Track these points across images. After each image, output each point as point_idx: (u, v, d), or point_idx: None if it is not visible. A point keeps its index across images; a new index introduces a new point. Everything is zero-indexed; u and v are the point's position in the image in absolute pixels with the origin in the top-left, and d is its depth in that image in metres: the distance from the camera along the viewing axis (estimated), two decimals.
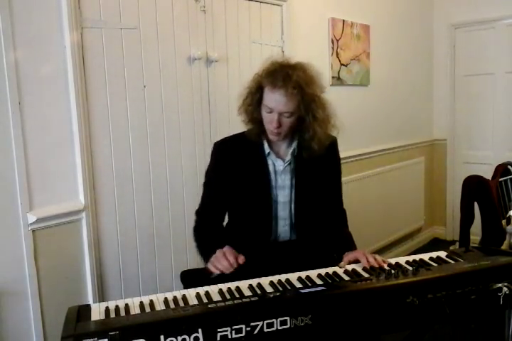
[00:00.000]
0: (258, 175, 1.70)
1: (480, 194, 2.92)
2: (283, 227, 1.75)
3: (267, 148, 1.71)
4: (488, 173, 3.09)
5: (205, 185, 1.79)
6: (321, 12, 3.13)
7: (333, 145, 1.79)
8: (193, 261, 2.42)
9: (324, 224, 1.81)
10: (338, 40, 3.25)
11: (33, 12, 1.76)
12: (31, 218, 1.77)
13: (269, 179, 1.70)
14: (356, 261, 1.61)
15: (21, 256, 1.77)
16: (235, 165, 1.71)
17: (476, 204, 2.96)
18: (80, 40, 1.89)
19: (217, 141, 1.79)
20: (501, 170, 3.04)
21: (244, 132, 1.75)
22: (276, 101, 1.56)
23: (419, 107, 4.30)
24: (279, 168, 1.71)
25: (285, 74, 1.55)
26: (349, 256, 1.63)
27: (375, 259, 1.58)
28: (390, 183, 3.78)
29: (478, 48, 4.13)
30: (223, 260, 1.49)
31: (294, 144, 1.71)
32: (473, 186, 2.93)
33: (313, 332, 1.26)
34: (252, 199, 1.71)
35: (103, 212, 2.05)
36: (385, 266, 1.56)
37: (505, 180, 3.00)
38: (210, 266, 1.51)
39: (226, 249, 1.53)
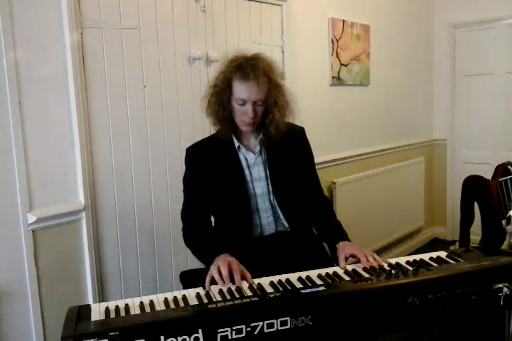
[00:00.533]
0: (232, 170, 1.75)
1: (480, 194, 2.91)
2: (266, 219, 1.78)
3: (236, 142, 1.75)
4: (488, 173, 3.09)
5: (186, 190, 1.80)
6: (321, 12, 3.13)
7: (301, 134, 1.87)
8: (193, 261, 2.42)
9: (309, 213, 1.84)
10: (338, 40, 3.25)
11: (33, 12, 1.76)
12: (31, 218, 1.77)
13: (243, 173, 1.75)
14: (352, 256, 1.62)
15: (21, 256, 1.77)
16: (208, 166, 1.75)
17: (476, 204, 2.95)
18: (79, 40, 1.89)
19: (188, 147, 1.83)
20: (501, 170, 3.04)
21: (213, 134, 1.80)
22: (249, 92, 1.62)
23: (419, 107, 4.30)
24: (251, 161, 1.76)
25: (252, 66, 1.62)
26: (345, 251, 1.62)
27: (375, 259, 1.58)
28: (390, 183, 3.78)
29: (478, 48, 4.13)
30: (225, 271, 1.45)
31: (261, 134, 1.76)
32: (473, 186, 2.93)
33: (314, 332, 1.26)
34: (230, 195, 1.75)
35: (103, 212, 2.04)
36: (385, 266, 1.56)
37: (505, 180, 3.00)
38: (207, 279, 1.47)
39: (232, 259, 1.51)
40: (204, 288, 1.45)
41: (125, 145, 2.10)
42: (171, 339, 1.16)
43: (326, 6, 3.16)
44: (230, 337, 1.19)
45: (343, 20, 3.28)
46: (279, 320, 1.23)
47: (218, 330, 1.19)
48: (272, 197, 1.77)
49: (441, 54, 4.34)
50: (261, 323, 1.22)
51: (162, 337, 1.15)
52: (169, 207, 2.31)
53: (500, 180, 2.98)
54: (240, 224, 1.76)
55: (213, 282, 1.47)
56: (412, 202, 4.13)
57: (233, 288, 1.44)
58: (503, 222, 2.55)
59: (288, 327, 1.24)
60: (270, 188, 1.76)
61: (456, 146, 4.39)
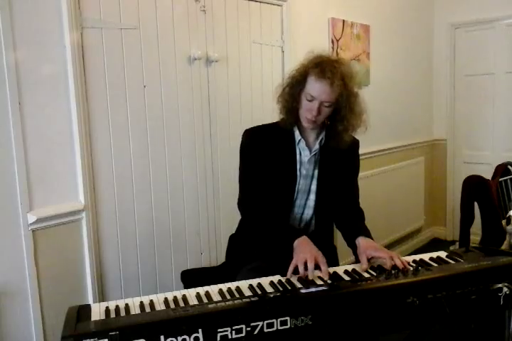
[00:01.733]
0: (286, 161, 1.78)
1: (480, 194, 2.92)
2: (295, 215, 1.82)
3: (297, 135, 1.78)
4: (488, 173, 3.09)
5: (245, 170, 1.82)
6: (321, 12, 3.13)
7: (356, 145, 1.92)
8: (193, 261, 2.42)
9: (339, 220, 1.87)
10: (338, 40, 3.25)
11: (33, 12, 1.75)
12: (31, 218, 1.76)
13: (295, 167, 1.78)
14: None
15: (21, 256, 1.77)
16: (264, 150, 1.77)
17: (476, 204, 2.96)
18: (80, 40, 1.89)
19: (248, 128, 1.85)
20: (501, 170, 3.04)
21: (276, 122, 1.82)
22: (320, 90, 1.65)
23: (419, 107, 4.29)
24: (305, 158, 1.79)
25: (332, 67, 1.65)
26: (367, 252, 1.61)
27: (402, 262, 1.56)
28: (390, 183, 3.78)
29: (478, 48, 4.13)
30: (311, 264, 1.49)
31: (323, 134, 1.80)
32: (473, 186, 2.94)
33: (314, 332, 1.26)
34: (276, 185, 1.77)
35: (103, 212, 2.04)
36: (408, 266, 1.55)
37: (505, 180, 3.00)
38: (291, 266, 1.51)
39: (318, 254, 1.53)
40: (283, 276, 1.50)
41: (125, 146, 2.10)
42: (171, 338, 1.16)
43: (326, 6, 3.16)
44: (229, 337, 1.20)
45: (343, 20, 3.28)
46: (278, 320, 1.23)
47: (218, 330, 1.19)
48: (309, 197, 1.81)
49: (441, 54, 4.34)
50: (261, 323, 1.22)
51: (162, 337, 1.15)
52: (169, 207, 2.31)
53: (500, 180, 2.98)
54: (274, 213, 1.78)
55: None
56: (412, 202, 4.13)
57: (233, 287, 1.44)
58: (503, 222, 2.55)
59: (288, 326, 1.24)
60: (313, 187, 1.80)
61: (456, 146, 4.39)
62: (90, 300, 1.99)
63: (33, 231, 1.79)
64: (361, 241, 1.67)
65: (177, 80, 2.28)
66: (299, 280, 1.48)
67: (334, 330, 1.29)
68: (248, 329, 1.21)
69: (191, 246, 2.42)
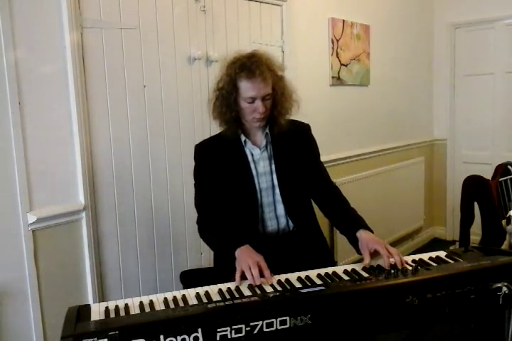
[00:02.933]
0: (238, 165, 1.78)
1: (480, 194, 2.91)
2: (268, 214, 1.80)
3: (242, 137, 1.79)
4: (488, 173, 3.09)
5: (197, 184, 1.83)
6: (321, 12, 3.13)
7: (306, 130, 1.90)
8: (193, 261, 2.43)
9: (321, 205, 1.87)
10: (338, 40, 3.25)
11: (33, 12, 1.76)
12: (31, 218, 1.77)
13: (248, 167, 1.78)
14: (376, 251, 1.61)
15: (21, 256, 1.77)
16: (216, 162, 1.78)
17: (476, 204, 2.95)
18: (80, 40, 1.90)
19: (197, 144, 1.86)
20: (501, 170, 3.04)
21: (222, 132, 1.83)
22: (257, 88, 1.66)
23: (419, 107, 4.29)
24: (257, 156, 1.79)
25: (255, 63, 1.66)
26: (369, 246, 1.61)
27: (400, 259, 1.56)
28: (390, 183, 3.78)
29: (478, 48, 4.13)
30: (255, 271, 1.48)
31: (267, 129, 1.80)
32: (473, 186, 2.93)
33: (313, 331, 1.26)
34: (235, 189, 1.78)
35: (103, 212, 2.05)
36: (406, 265, 1.55)
37: (505, 180, 3.00)
38: (238, 271, 1.51)
39: (260, 259, 1.54)
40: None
41: (125, 145, 2.11)
42: (171, 338, 1.16)
43: (326, 6, 3.16)
44: (229, 337, 1.20)
45: (343, 20, 3.28)
46: (278, 320, 1.23)
47: (218, 330, 1.19)
48: (275, 192, 1.79)
49: (441, 54, 4.34)
50: (260, 322, 1.22)
51: (162, 337, 1.15)
52: (169, 207, 2.31)
53: (500, 180, 2.98)
54: (243, 219, 1.78)
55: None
56: (412, 202, 4.13)
57: (233, 287, 1.44)
58: (503, 222, 2.55)
59: (287, 326, 1.24)
60: (275, 182, 1.79)
61: (456, 146, 4.39)
62: (90, 300, 1.99)
63: (33, 231, 1.79)
64: (362, 235, 1.66)
65: (177, 80, 2.29)
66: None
67: (334, 330, 1.29)
68: (248, 328, 1.21)
69: (191, 246, 2.42)
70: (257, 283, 1.46)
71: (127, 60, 2.08)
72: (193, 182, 1.83)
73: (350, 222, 1.76)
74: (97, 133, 2.00)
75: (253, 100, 1.67)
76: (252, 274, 1.47)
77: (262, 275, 1.48)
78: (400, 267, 1.52)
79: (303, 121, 1.91)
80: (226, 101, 1.71)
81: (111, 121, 2.04)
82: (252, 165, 1.78)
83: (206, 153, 1.81)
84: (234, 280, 1.50)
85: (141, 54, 2.13)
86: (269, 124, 1.79)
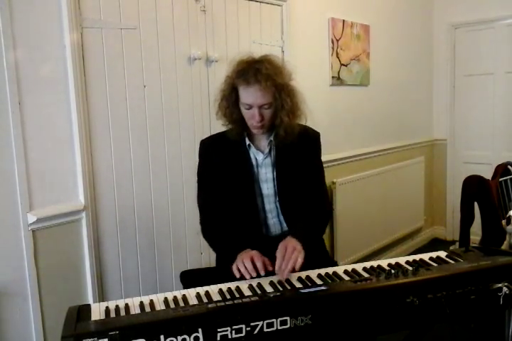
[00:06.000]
0: (241, 168, 1.76)
1: (480, 194, 2.91)
2: (272, 220, 1.80)
3: (247, 141, 1.77)
4: (488, 173, 3.09)
5: (200, 182, 1.83)
6: (321, 12, 3.13)
7: (315, 139, 1.87)
8: (193, 261, 2.42)
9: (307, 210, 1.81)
10: (338, 40, 3.25)
11: (33, 12, 1.76)
12: (31, 218, 1.77)
13: (251, 172, 1.77)
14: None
15: (21, 256, 1.77)
16: (219, 161, 1.77)
17: (476, 204, 2.95)
18: (80, 40, 1.89)
19: (203, 139, 1.86)
20: (501, 170, 3.03)
21: (225, 131, 1.81)
22: (253, 97, 1.63)
23: (419, 107, 4.30)
24: (260, 161, 1.77)
25: (255, 70, 1.61)
26: (280, 245, 1.56)
27: (287, 265, 1.49)
28: (390, 183, 3.78)
29: (478, 48, 4.13)
30: (248, 264, 1.49)
31: (272, 136, 1.77)
32: (473, 186, 2.93)
33: (313, 331, 1.26)
34: (237, 193, 1.77)
35: (103, 212, 2.04)
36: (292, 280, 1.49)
37: (505, 180, 3.00)
38: (234, 269, 1.52)
39: (254, 252, 1.54)
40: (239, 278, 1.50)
41: (125, 146, 2.10)
42: (171, 338, 1.16)
43: (326, 6, 3.16)
44: (229, 337, 1.20)
45: (343, 20, 3.28)
46: (278, 320, 1.23)
47: (218, 330, 1.19)
48: (277, 199, 1.78)
49: (441, 54, 4.34)
50: (261, 323, 1.22)
51: (162, 337, 1.15)
52: (169, 207, 2.31)
53: (500, 180, 2.98)
54: (245, 222, 1.78)
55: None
56: (412, 202, 4.13)
57: (233, 287, 1.44)
58: (503, 222, 2.55)
59: (288, 326, 1.24)
60: (276, 190, 1.77)
61: (456, 146, 4.39)
62: (90, 300, 1.99)
63: (33, 231, 1.79)
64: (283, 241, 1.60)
65: (177, 80, 2.28)
66: (298, 280, 1.47)
67: (334, 330, 1.29)
68: (248, 329, 1.21)
69: (191, 246, 2.42)
70: (248, 276, 1.47)
71: (127, 60, 2.08)
72: (196, 179, 1.83)
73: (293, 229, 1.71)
74: (97, 133, 2.00)
75: (250, 107, 1.65)
76: (245, 267, 1.48)
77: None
78: (282, 278, 1.47)
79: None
80: (228, 103, 1.70)
81: (111, 121, 2.04)
82: (255, 170, 1.77)
83: (211, 150, 1.80)
84: (236, 279, 1.50)
85: (141, 54, 2.13)
86: (274, 131, 1.75)
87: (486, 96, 4.14)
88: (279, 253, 1.52)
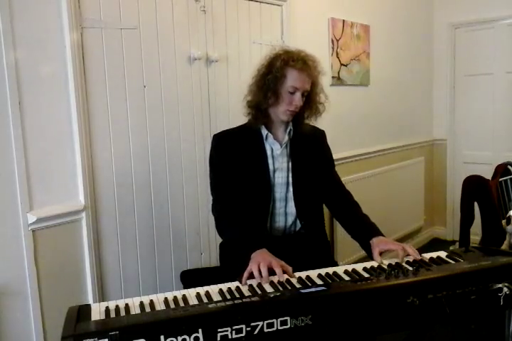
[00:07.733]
0: (256, 158, 1.81)
1: (480, 194, 2.91)
2: (278, 209, 1.83)
3: (264, 131, 1.82)
4: (488, 173, 3.09)
5: (213, 174, 1.86)
6: (321, 12, 3.13)
7: (322, 136, 1.99)
8: (193, 261, 2.42)
9: (332, 208, 1.92)
10: (338, 40, 3.25)
11: (33, 12, 1.76)
12: (31, 218, 1.77)
13: (267, 162, 1.81)
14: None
15: (21, 256, 1.77)
16: (234, 153, 1.80)
17: (476, 204, 2.95)
18: (80, 40, 1.89)
19: (216, 133, 1.89)
20: (501, 170, 3.03)
21: (242, 125, 1.87)
22: (303, 81, 1.74)
23: (419, 107, 4.29)
24: (277, 152, 1.82)
25: (306, 57, 1.76)
26: (379, 247, 1.68)
27: (413, 251, 1.62)
28: (390, 183, 3.78)
29: (478, 48, 4.13)
30: (265, 271, 1.48)
31: (290, 125, 1.84)
32: (473, 186, 2.93)
33: (314, 332, 1.26)
34: (251, 182, 1.80)
35: (103, 212, 2.04)
36: (426, 260, 1.59)
37: (505, 180, 2.99)
38: (247, 272, 1.50)
39: (272, 258, 1.54)
40: (240, 282, 1.48)
41: (125, 146, 2.10)
42: (171, 338, 1.16)
43: (326, 6, 3.16)
44: (230, 337, 1.19)
45: (343, 20, 3.28)
46: (279, 320, 1.23)
47: (218, 330, 1.19)
48: (289, 189, 1.83)
49: (441, 54, 4.34)
50: (261, 323, 1.21)
51: (162, 337, 1.15)
52: (169, 207, 2.31)
53: (500, 180, 2.98)
54: (254, 212, 1.80)
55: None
56: (412, 202, 4.13)
57: (233, 287, 1.44)
58: (503, 222, 2.55)
59: (288, 326, 1.23)
60: (290, 179, 1.82)
61: (456, 146, 4.39)
62: (90, 300, 1.99)
63: (33, 231, 1.79)
64: (375, 241, 1.72)
65: (177, 80, 2.28)
66: (298, 280, 1.47)
67: (334, 330, 1.29)
68: (248, 329, 1.21)
69: (191, 246, 2.42)
70: (264, 282, 1.46)
71: (127, 60, 2.08)
72: (207, 172, 1.88)
73: (364, 230, 1.80)
74: (97, 133, 1.99)
75: (294, 91, 1.73)
76: (259, 272, 1.47)
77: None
78: (417, 258, 1.58)
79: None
80: (268, 87, 1.74)
81: (111, 121, 2.04)
82: (270, 161, 1.82)
83: (225, 142, 1.84)
84: (239, 279, 1.50)
85: (141, 54, 2.13)
86: (294, 123, 1.84)
87: (486, 96, 4.14)
88: (392, 246, 1.68)
